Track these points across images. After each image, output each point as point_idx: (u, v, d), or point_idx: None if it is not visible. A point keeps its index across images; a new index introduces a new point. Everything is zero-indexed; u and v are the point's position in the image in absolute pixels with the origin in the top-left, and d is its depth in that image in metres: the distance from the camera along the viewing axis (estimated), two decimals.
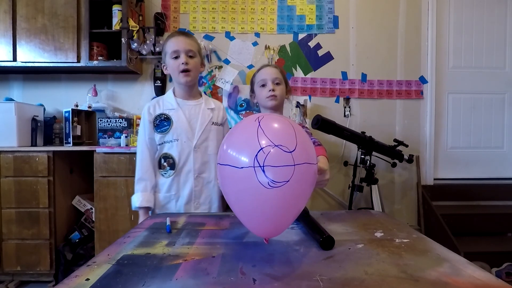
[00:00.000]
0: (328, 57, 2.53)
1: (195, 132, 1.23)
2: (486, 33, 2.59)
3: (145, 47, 2.31)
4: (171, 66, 1.21)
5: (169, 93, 1.29)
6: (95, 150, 1.97)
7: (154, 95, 2.49)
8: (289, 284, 0.53)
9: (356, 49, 2.53)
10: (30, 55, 2.19)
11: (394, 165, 2.20)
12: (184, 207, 1.23)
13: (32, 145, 2.11)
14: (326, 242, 0.69)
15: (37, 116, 2.16)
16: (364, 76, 2.53)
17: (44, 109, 2.35)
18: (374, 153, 2.09)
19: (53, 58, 2.20)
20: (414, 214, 2.55)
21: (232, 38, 2.51)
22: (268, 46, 2.51)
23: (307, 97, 2.51)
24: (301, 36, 2.52)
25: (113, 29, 2.22)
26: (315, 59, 2.52)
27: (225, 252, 0.67)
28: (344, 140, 2.22)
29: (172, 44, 1.20)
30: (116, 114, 2.37)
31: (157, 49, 2.35)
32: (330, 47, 2.52)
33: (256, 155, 0.59)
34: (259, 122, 0.63)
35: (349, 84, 2.53)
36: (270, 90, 1.20)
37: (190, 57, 1.20)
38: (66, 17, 2.18)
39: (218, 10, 2.50)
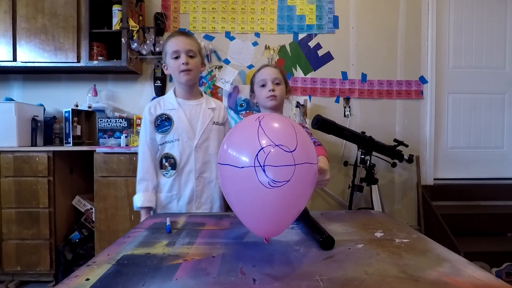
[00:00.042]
0: (328, 57, 2.53)
1: (196, 132, 1.23)
2: (486, 33, 2.59)
3: (145, 47, 2.31)
4: (171, 66, 1.22)
5: (169, 93, 1.29)
6: (95, 150, 1.97)
7: (154, 95, 2.49)
8: (289, 284, 0.53)
9: (356, 49, 2.53)
10: (30, 55, 2.19)
11: (394, 165, 2.20)
12: (186, 206, 1.23)
13: (32, 145, 2.11)
14: (326, 242, 0.69)
15: (37, 116, 2.16)
16: (364, 76, 2.53)
17: (44, 109, 2.35)
18: (374, 153, 2.09)
19: (53, 58, 2.20)
20: (414, 214, 2.55)
21: (232, 38, 2.51)
22: (268, 46, 2.51)
23: (307, 97, 2.51)
24: (301, 36, 2.52)
25: (113, 29, 2.22)
26: (315, 59, 2.52)
27: (225, 252, 0.67)
28: (344, 140, 2.22)
29: (172, 44, 1.20)
30: (116, 114, 2.38)
31: (157, 49, 2.35)
32: (330, 47, 2.52)
33: (257, 154, 0.59)
34: (259, 122, 0.63)
35: (349, 84, 2.53)
36: (270, 90, 1.20)
37: (191, 57, 1.20)
38: (66, 17, 2.18)
39: (218, 10, 2.50)
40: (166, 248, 0.70)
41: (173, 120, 1.22)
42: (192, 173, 1.23)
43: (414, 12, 2.54)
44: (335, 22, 2.52)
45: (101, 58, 2.22)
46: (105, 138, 2.25)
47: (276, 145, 0.60)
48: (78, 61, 2.20)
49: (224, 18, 2.50)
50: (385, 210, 2.19)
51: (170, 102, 1.26)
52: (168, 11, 2.50)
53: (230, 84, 2.47)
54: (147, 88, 2.52)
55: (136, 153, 1.93)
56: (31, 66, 2.23)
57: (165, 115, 1.23)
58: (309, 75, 2.53)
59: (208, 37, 2.50)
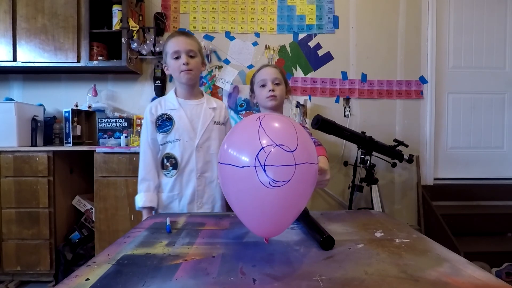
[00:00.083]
0: (328, 57, 2.53)
1: (197, 131, 1.23)
2: (486, 33, 2.59)
3: (145, 47, 2.31)
4: (172, 67, 1.22)
5: (170, 93, 1.29)
6: (95, 150, 1.97)
7: (154, 95, 2.49)
8: (289, 284, 0.53)
9: (356, 49, 2.53)
10: (30, 55, 2.19)
11: (394, 165, 2.20)
12: (187, 206, 1.23)
13: (32, 145, 2.11)
14: (326, 242, 0.69)
15: (37, 116, 2.16)
16: (364, 76, 2.53)
17: (44, 109, 2.35)
18: (374, 153, 2.09)
19: (53, 58, 2.20)
20: (414, 214, 2.55)
21: (232, 38, 2.51)
22: (268, 46, 2.51)
23: (307, 97, 2.51)
24: (301, 36, 2.52)
25: (113, 29, 2.22)
26: (315, 59, 2.52)
27: (225, 252, 0.67)
28: (344, 140, 2.22)
29: (173, 45, 1.20)
30: (116, 114, 2.38)
31: (157, 49, 2.35)
32: (330, 47, 2.52)
33: (257, 154, 0.59)
34: (260, 122, 0.63)
35: (349, 84, 2.53)
36: (270, 90, 1.20)
37: (191, 57, 1.20)
38: (66, 17, 2.18)
39: (218, 10, 2.50)
40: (166, 248, 0.70)
41: (174, 120, 1.23)
42: (194, 173, 1.23)
43: (414, 12, 2.54)
44: (335, 22, 2.52)
45: (101, 58, 2.22)
46: (105, 138, 2.25)
47: (276, 145, 0.60)
48: (78, 61, 2.20)
49: (224, 18, 2.50)
50: (385, 210, 2.19)
51: (171, 102, 1.26)
52: (168, 11, 2.50)
53: (230, 84, 2.47)
54: (147, 88, 2.52)
55: (136, 153, 1.94)
56: (31, 66, 2.23)
57: (166, 115, 1.23)
58: (309, 75, 2.53)
59: (208, 37, 2.50)
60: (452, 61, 2.59)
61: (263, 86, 1.23)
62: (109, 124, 2.28)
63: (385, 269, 0.58)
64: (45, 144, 2.20)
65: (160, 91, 2.48)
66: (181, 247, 0.70)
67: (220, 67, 2.50)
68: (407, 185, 2.56)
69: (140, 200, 1.20)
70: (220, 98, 2.48)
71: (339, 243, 0.71)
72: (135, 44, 2.25)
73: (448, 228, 2.12)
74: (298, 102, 2.44)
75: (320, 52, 2.52)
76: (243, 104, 2.50)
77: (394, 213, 2.54)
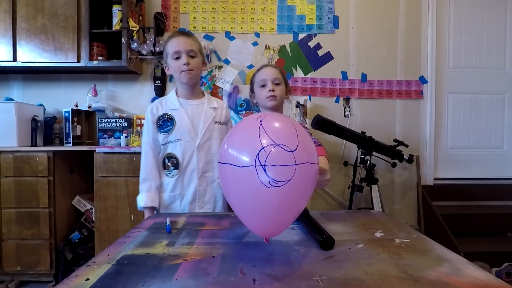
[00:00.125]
0: (328, 57, 2.53)
1: (198, 131, 1.24)
2: (486, 33, 2.59)
3: (145, 47, 2.31)
4: (173, 67, 1.22)
5: (171, 93, 1.29)
6: (95, 150, 1.97)
7: (154, 95, 2.49)
8: (289, 284, 0.53)
9: (356, 49, 2.53)
10: (30, 55, 2.19)
11: (394, 165, 2.20)
12: (189, 206, 1.23)
13: (32, 145, 2.11)
14: (326, 242, 0.69)
15: (37, 116, 2.16)
16: (364, 76, 2.53)
17: (44, 109, 2.35)
18: (374, 153, 2.09)
19: (53, 58, 2.20)
20: (414, 214, 2.55)
21: (232, 38, 2.51)
22: (268, 46, 2.51)
23: (307, 97, 2.51)
24: (301, 36, 2.52)
25: (113, 29, 2.22)
26: (315, 59, 2.52)
27: (225, 252, 0.67)
28: (344, 140, 2.22)
29: (173, 45, 1.20)
30: (116, 114, 2.38)
31: (157, 49, 2.35)
32: (330, 47, 2.52)
33: (258, 154, 0.59)
34: (260, 121, 0.63)
35: (349, 84, 2.53)
36: (270, 91, 1.20)
37: (191, 57, 1.20)
38: (66, 17, 2.18)
39: (218, 10, 2.50)
40: (166, 248, 0.70)
41: (175, 120, 1.23)
42: (195, 173, 1.23)
43: (414, 12, 2.54)
44: (335, 22, 2.52)
45: (101, 58, 2.22)
46: (105, 138, 2.25)
47: (277, 145, 0.60)
48: (78, 61, 2.20)
49: (224, 18, 2.50)
50: (385, 210, 2.19)
51: (172, 102, 1.26)
52: (168, 11, 2.50)
53: (230, 84, 2.47)
54: (147, 88, 2.52)
55: (136, 153, 1.94)
56: (31, 66, 2.23)
57: (167, 115, 1.24)
58: (309, 75, 2.53)
59: (208, 37, 2.50)
60: (452, 61, 2.59)
61: (263, 86, 1.23)
62: (109, 124, 2.28)
63: (385, 269, 0.58)
64: (45, 144, 2.20)
65: (160, 91, 2.48)
66: (181, 247, 0.70)
67: (220, 67, 2.50)
68: (407, 185, 2.56)
69: (142, 200, 1.20)
70: (220, 98, 2.48)
71: (339, 243, 0.71)
72: (135, 44, 2.25)
73: (448, 228, 2.12)
74: (298, 102, 2.44)
75: (320, 52, 2.52)
76: (243, 104, 2.50)
77: (394, 213, 2.54)
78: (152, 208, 1.21)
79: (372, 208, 2.05)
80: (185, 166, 1.23)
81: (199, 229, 0.84)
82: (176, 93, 1.28)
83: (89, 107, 2.35)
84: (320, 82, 2.52)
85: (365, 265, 0.60)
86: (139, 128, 2.36)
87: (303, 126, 1.22)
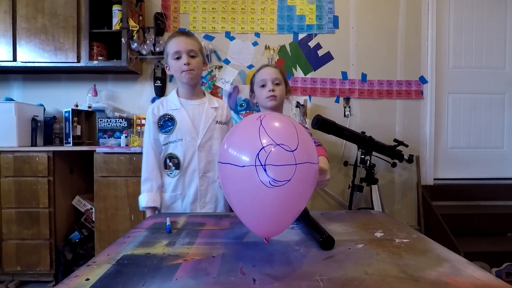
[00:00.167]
0: (328, 57, 2.53)
1: (199, 131, 1.24)
2: (486, 33, 2.59)
3: (145, 47, 2.31)
4: (173, 67, 1.22)
5: (172, 93, 1.29)
6: (95, 150, 1.97)
7: (154, 95, 2.50)
8: (289, 284, 0.53)
9: (356, 49, 2.53)
10: (30, 55, 2.19)
11: (394, 165, 2.20)
12: (190, 206, 1.23)
13: (32, 145, 2.11)
14: (326, 242, 0.69)
15: (37, 116, 2.16)
16: (364, 76, 2.53)
17: (44, 109, 2.35)
18: (374, 153, 2.09)
19: (53, 58, 2.20)
20: (414, 214, 2.55)
21: (232, 38, 2.51)
22: (268, 46, 2.51)
23: (307, 97, 2.51)
24: (301, 36, 2.52)
25: (113, 29, 2.22)
26: (315, 59, 2.52)
27: (225, 252, 0.67)
28: (344, 140, 2.22)
29: (174, 45, 1.20)
30: (116, 114, 2.38)
31: (157, 49, 2.35)
32: (330, 47, 2.52)
33: (258, 153, 0.59)
34: (260, 121, 0.63)
35: (349, 84, 2.53)
36: (270, 91, 1.20)
37: (192, 57, 1.20)
38: (66, 17, 2.18)
39: (218, 10, 2.50)
40: (166, 248, 0.70)
41: (176, 120, 1.23)
42: (196, 173, 1.23)
43: (414, 12, 2.54)
44: (335, 22, 2.52)
45: (101, 58, 2.22)
46: (105, 138, 2.25)
47: (277, 144, 0.60)
48: (78, 61, 2.20)
49: (224, 18, 2.50)
50: (385, 210, 2.19)
51: (172, 103, 1.26)
52: (168, 11, 2.50)
53: (230, 84, 2.47)
54: (147, 88, 2.52)
55: (136, 153, 1.94)
56: (31, 66, 2.23)
57: (168, 115, 1.24)
58: (309, 75, 2.53)
59: (208, 37, 2.50)
60: (452, 61, 2.59)
61: (263, 86, 1.22)
62: (109, 124, 2.28)
63: (385, 269, 0.58)
64: (45, 144, 2.20)
65: (160, 91, 2.48)
66: (181, 247, 0.70)
67: (220, 67, 2.50)
68: (407, 185, 2.56)
69: (143, 200, 1.20)
70: (220, 98, 2.48)
71: (339, 243, 0.71)
72: (135, 44, 2.25)
73: (448, 228, 2.12)
74: (298, 102, 2.44)
75: (320, 52, 2.52)
76: (243, 104, 2.50)
77: (394, 213, 2.54)
78: (153, 208, 1.21)
79: (372, 208, 2.05)
80: (186, 166, 1.23)
81: (199, 229, 0.84)
82: (177, 93, 1.28)
83: (89, 107, 2.35)
84: (320, 82, 2.52)
85: (365, 265, 0.60)
86: (139, 128, 2.36)
87: (303, 126, 1.22)
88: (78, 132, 2.20)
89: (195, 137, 1.23)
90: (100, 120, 2.28)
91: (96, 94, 2.40)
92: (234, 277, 0.56)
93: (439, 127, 2.58)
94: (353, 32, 2.53)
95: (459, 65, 2.59)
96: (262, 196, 0.61)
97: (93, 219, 2.03)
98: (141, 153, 1.91)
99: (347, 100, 2.53)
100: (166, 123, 1.23)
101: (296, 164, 0.60)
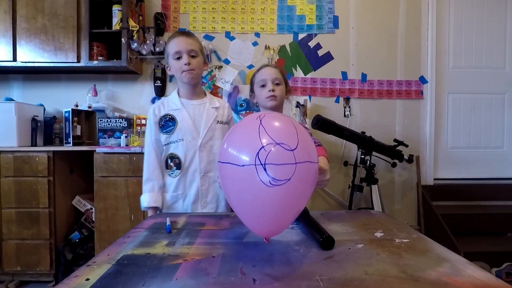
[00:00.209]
0: (328, 57, 2.53)
1: (200, 131, 1.24)
2: (486, 33, 2.59)
3: (145, 47, 2.30)
4: (174, 67, 1.22)
5: (173, 93, 1.29)
6: (95, 150, 1.97)
7: (154, 95, 2.50)
8: (289, 284, 0.53)
9: (356, 49, 2.53)
10: (30, 55, 2.19)
11: (394, 165, 2.20)
12: (191, 206, 1.23)
13: (32, 145, 2.11)
14: (326, 242, 0.69)
15: (37, 116, 2.16)
16: (364, 76, 2.53)
17: (44, 109, 2.35)
18: (374, 153, 2.09)
19: (53, 58, 2.20)
20: (414, 214, 2.55)
21: (232, 38, 2.51)
22: (268, 46, 2.51)
23: (307, 97, 2.51)
24: (301, 36, 2.52)
25: (113, 29, 2.22)
26: (315, 59, 2.52)
27: (225, 252, 0.67)
28: (344, 140, 2.22)
29: (174, 45, 1.20)
30: (116, 114, 2.38)
31: (157, 49, 2.35)
32: (330, 47, 2.52)
33: (258, 153, 0.59)
34: (260, 120, 0.63)
35: (349, 84, 2.53)
36: (270, 91, 1.20)
37: (193, 56, 1.20)
38: (66, 17, 2.18)
39: (218, 10, 2.50)
40: (166, 248, 0.70)
41: (177, 120, 1.23)
42: (197, 173, 1.23)
43: (414, 12, 2.54)
44: (335, 22, 2.52)
45: (101, 58, 2.22)
46: (105, 138, 2.25)
47: (277, 144, 0.60)
48: (78, 61, 2.20)
49: (224, 18, 2.50)
50: (385, 210, 2.19)
51: (173, 103, 1.26)
52: (168, 11, 2.50)
53: (230, 84, 2.47)
54: (147, 88, 2.52)
55: (136, 153, 1.94)
56: (31, 66, 2.23)
57: (169, 115, 1.24)
58: (309, 75, 2.53)
59: (208, 37, 2.50)
60: (452, 61, 2.59)
61: (263, 86, 1.22)
62: (109, 124, 2.28)
63: (385, 269, 0.58)
64: (45, 144, 2.20)
65: (160, 91, 2.48)
66: (181, 247, 0.70)
67: (220, 67, 2.50)
68: (407, 185, 2.56)
69: (145, 201, 1.20)
70: (220, 98, 2.48)
71: (339, 243, 0.71)
72: (135, 44, 2.25)
73: (448, 228, 2.12)
74: (298, 102, 2.44)
75: (320, 52, 2.52)
76: (243, 104, 2.50)
77: (394, 213, 2.54)
78: (155, 208, 1.22)
79: (372, 208, 2.05)
80: (187, 166, 1.23)
81: (199, 229, 0.84)
82: (178, 93, 1.28)
83: (89, 107, 2.35)
84: (320, 82, 2.52)
85: (365, 265, 0.60)
86: (139, 128, 2.36)
87: (303, 126, 1.22)
88: (78, 132, 2.20)
89: (196, 137, 1.23)
90: (100, 120, 2.28)
91: (96, 94, 2.40)
92: (234, 277, 0.56)
93: (439, 127, 2.58)
94: (353, 32, 2.53)
95: (459, 65, 2.59)
96: (262, 195, 0.61)
97: (93, 219, 2.03)
98: (141, 153, 1.92)
99: (347, 100, 2.53)
100: (167, 123, 1.23)
101: (296, 163, 0.60)
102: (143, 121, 2.39)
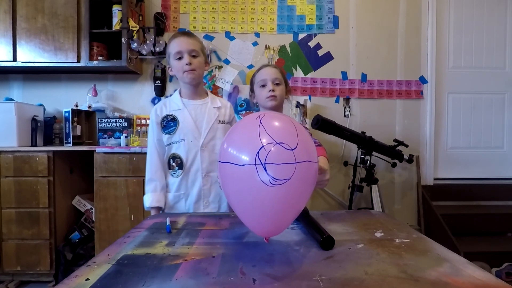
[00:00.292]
0: (328, 57, 2.53)
1: (202, 131, 1.24)
2: (486, 33, 2.59)
3: (145, 47, 2.30)
4: (175, 67, 1.22)
5: (175, 94, 1.29)
6: (95, 150, 1.97)
7: (154, 95, 2.50)
8: (289, 284, 0.53)
9: (356, 49, 2.53)
10: (30, 55, 2.19)
11: (394, 165, 2.20)
12: (193, 206, 1.24)
13: (32, 145, 2.11)
14: (326, 242, 0.69)
15: (37, 116, 2.16)
16: (364, 76, 2.53)
17: (44, 109, 2.35)
18: (374, 153, 2.09)
19: (53, 58, 2.20)
20: (414, 214, 2.55)
21: (232, 38, 2.51)
22: (268, 46, 2.51)
23: (307, 97, 2.51)
24: (301, 36, 2.52)
25: (113, 29, 2.22)
26: (315, 59, 2.52)
27: (225, 252, 0.67)
28: (344, 140, 2.22)
29: (175, 45, 1.20)
30: (116, 114, 2.38)
31: (157, 49, 2.35)
32: (330, 47, 2.52)
33: (258, 152, 0.59)
34: (260, 120, 0.63)
35: (349, 84, 2.53)
36: (270, 91, 1.20)
37: (194, 56, 1.20)
38: (66, 17, 2.18)
39: (218, 10, 2.50)
40: (166, 248, 0.70)
41: (179, 121, 1.23)
42: (199, 173, 1.23)
43: (414, 12, 2.54)
44: (335, 22, 2.52)
45: (101, 58, 2.22)
46: (105, 138, 2.25)
47: (277, 143, 0.60)
48: (78, 61, 2.20)
49: (224, 18, 2.50)
50: (385, 210, 2.19)
51: (175, 103, 1.26)
52: (168, 11, 2.50)
53: (230, 84, 2.47)
54: (147, 88, 2.52)
55: (136, 153, 1.94)
56: (31, 66, 2.23)
57: (171, 115, 1.24)
58: (309, 75, 2.53)
59: (208, 37, 2.50)
60: (452, 61, 2.59)
61: (263, 86, 1.22)
62: (109, 124, 2.28)
63: (385, 269, 0.58)
64: (45, 144, 2.20)
65: (160, 91, 2.48)
66: (181, 247, 0.70)
67: (220, 67, 2.51)
68: (407, 185, 2.56)
69: (148, 201, 1.21)
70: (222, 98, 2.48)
71: (339, 243, 0.71)
72: (135, 44, 2.25)
73: (448, 228, 2.12)
74: (298, 102, 2.44)
75: (320, 52, 2.52)
76: (243, 104, 2.50)
77: (394, 213, 2.54)
78: (158, 208, 1.22)
79: (372, 208, 2.05)
80: (189, 166, 1.23)
81: (199, 229, 0.84)
82: (180, 93, 1.28)
83: (89, 107, 2.35)
84: (320, 82, 2.52)
85: (365, 265, 0.60)
86: (139, 128, 2.36)
87: (303, 126, 1.23)
88: (78, 132, 2.20)
89: (197, 137, 1.23)
90: (100, 120, 2.28)
91: (96, 94, 2.40)
92: (234, 277, 0.56)
93: (439, 127, 2.58)
94: (353, 32, 2.53)
95: (459, 65, 2.59)
96: (262, 195, 0.60)
97: (93, 219, 2.03)
98: (141, 153, 1.93)
99: (347, 100, 2.53)
100: (169, 123, 1.23)
101: (296, 162, 0.60)
102: (143, 121, 2.39)
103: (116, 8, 2.22)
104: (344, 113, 2.53)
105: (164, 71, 2.46)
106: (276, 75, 1.23)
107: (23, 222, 1.94)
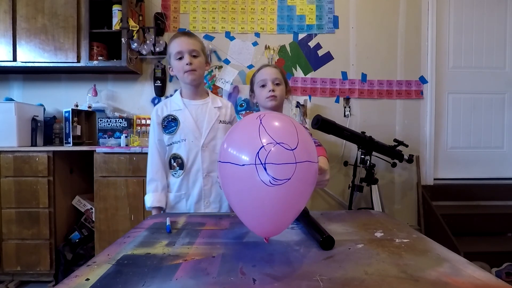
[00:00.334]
0: (328, 57, 2.53)
1: (202, 131, 1.24)
2: (486, 33, 2.59)
3: (145, 47, 2.30)
4: (176, 67, 1.22)
5: (176, 94, 1.30)
6: (95, 150, 1.97)
7: (154, 95, 2.50)
8: (289, 284, 0.53)
9: (356, 49, 2.53)
10: (30, 55, 2.19)
11: (394, 165, 2.20)
12: (194, 206, 1.24)
13: (32, 145, 2.11)
14: (326, 242, 0.69)
15: (37, 116, 2.16)
16: (364, 76, 2.53)
17: (44, 109, 2.35)
18: (374, 153, 2.09)
19: (53, 58, 2.20)
20: (414, 214, 2.55)
21: (232, 38, 2.51)
22: (268, 46, 2.51)
23: (307, 97, 2.51)
24: (301, 36, 2.52)
25: (113, 29, 2.22)
26: (315, 59, 2.52)
27: (225, 252, 0.67)
28: (344, 140, 2.22)
29: (175, 45, 1.20)
30: (116, 114, 2.38)
31: (157, 49, 2.35)
32: (330, 47, 2.52)
33: (258, 152, 0.59)
34: (260, 120, 0.63)
35: (349, 84, 2.53)
36: (270, 91, 1.20)
37: (194, 56, 1.20)
38: (66, 17, 2.18)
39: (218, 10, 2.50)
40: (166, 248, 0.70)
41: (179, 121, 1.23)
42: (200, 173, 1.23)
43: (414, 12, 2.54)
44: (335, 22, 2.52)
45: (101, 58, 2.22)
46: (105, 138, 2.25)
47: (277, 143, 0.60)
48: (78, 61, 2.20)
49: (224, 18, 2.50)
50: (385, 210, 2.19)
51: (176, 103, 1.26)
52: (168, 11, 2.50)
53: (230, 84, 2.47)
54: (147, 88, 2.52)
55: (136, 153, 1.94)
56: (31, 66, 2.23)
57: (172, 116, 1.24)
58: (309, 75, 2.53)
59: (208, 37, 2.50)
60: (452, 61, 2.59)
61: (263, 86, 1.22)
62: (109, 124, 2.28)
63: (385, 269, 0.58)
64: (45, 144, 2.20)
65: (160, 91, 2.48)
66: (181, 247, 0.70)
67: (220, 67, 2.50)
68: (407, 185, 2.56)
69: (149, 200, 1.21)
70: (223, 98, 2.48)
71: (339, 243, 0.71)
72: (135, 44, 2.25)
73: (448, 228, 2.12)
74: (298, 102, 2.44)
75: (320, 52, 2.52)
76: (243, 104, 2.50)
77: (394, 213, 2.54)
78: (159, 208, 1.22)
79: (372, 208, 2.05)
80: (190, 166, 1.23)
81: (199, 229, 0.84)
82: (181, 93, 1.28)
83: (89, 107, 2.35)
84: (320, 82, 2.52)
85: (365, 265, 0.60)
86: (139, 128, 2.36)
87: (303, 126, 1.23)
88: (78, 132, 2.20)
89: (198, 137, 1.23)
90: (100, 120, 2.28)
91: (96, 94, 2.40)
92: (234, 277, 0.56)
93: (439, 127, 2.58)
94: (353, 32, 2.53)
95: (459, 65, 2.59)
96: (262, 195, 0.61)
97: (93, 219, 2.03)
98: (141, 153, 1.93)
99: (347, 100, 2.53)
100: (169, 123, 1.23)
101: (296, 162, 0.60)
102: (143, 121, 2.39)
103: (116, 8, 2.22)
104: (344, 113, 2.53)
105: (164, 71, 2.46)
106: (276, 75, 1.23)
107: (23, 222, 1.94)
